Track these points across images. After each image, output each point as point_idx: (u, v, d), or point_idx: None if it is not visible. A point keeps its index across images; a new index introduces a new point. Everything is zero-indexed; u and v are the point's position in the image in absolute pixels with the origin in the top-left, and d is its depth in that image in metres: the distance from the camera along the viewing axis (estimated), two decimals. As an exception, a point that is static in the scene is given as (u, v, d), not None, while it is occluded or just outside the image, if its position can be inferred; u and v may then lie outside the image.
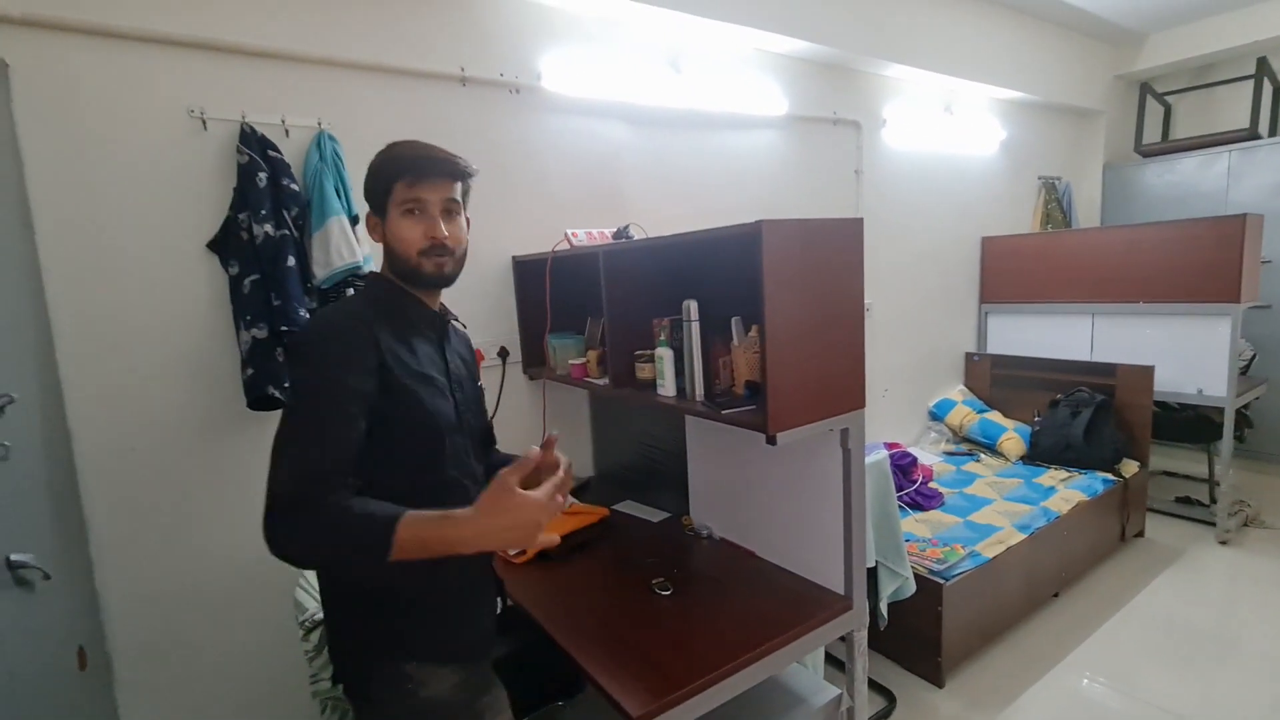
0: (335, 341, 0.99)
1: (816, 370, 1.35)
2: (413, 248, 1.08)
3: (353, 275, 1.85)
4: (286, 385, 0.97)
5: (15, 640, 1.19)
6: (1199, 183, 4.19)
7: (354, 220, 1.86)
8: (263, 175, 1.74)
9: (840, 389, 1.41)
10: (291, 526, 0.89)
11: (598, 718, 1.50)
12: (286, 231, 1.75)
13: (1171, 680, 2.27)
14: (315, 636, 1.51)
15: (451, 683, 1.07)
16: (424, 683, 1.05)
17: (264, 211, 1.73)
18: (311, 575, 1.66)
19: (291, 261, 1.75)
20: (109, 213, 1.65)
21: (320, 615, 1.45)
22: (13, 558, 1.18)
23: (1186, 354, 3.29)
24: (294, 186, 1.79)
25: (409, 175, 1.06)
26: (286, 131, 1.84)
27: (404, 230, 1.07)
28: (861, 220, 1.42)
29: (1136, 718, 2.10)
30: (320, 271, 1.80)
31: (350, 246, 1.81)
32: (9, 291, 1.42)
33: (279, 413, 1.76)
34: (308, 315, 1.75)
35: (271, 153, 1.77)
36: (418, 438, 1.05)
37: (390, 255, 1.10)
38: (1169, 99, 4.59)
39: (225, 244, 1.77)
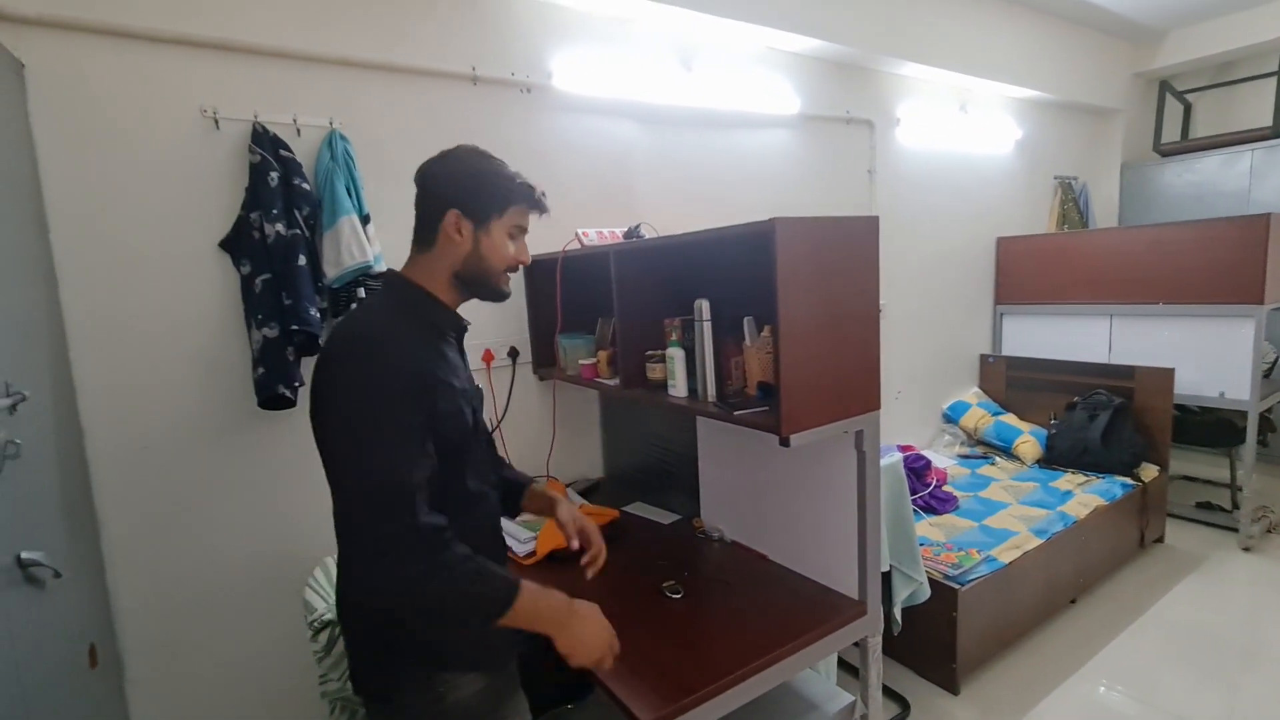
0: (397, 371, 0.96)
1: (831, 370, 1.33)
2: (503, 264, 1.13)
3: (364, 275, 1.85)
4: (339, 414, 0.96)
5: (26, 637, 1.19)
6: (1220, 182, 4.11)
7: (365, 219, 1.86)
8: (274, 175, 1.74)
9: (855, 390, 1.38)
10: (417, 572, 0.91)
11: (608, 718, 1.49)
12: (298, 231, 1.75)
13: (1193, 690, 2.22)
14: (324, 637, 1.50)
15: (477, 688, 1.06)
16: (452, 687, 1.04)
17: (275, 211, 1.73)
18: (320, 575, 1.66)
19: (303, 261, 1.75)
20: (122, 212, 1.66)
21: (329, 616, 1.44)
22: (23, 555, 1.18)
23: (1208, 356, 3.23)
24: (305, 186, 1.79)
25: (534, 208, 1.15)
26: (298, 131, 1.84)
27: (504, 248, 1.13)
28: (877, 219, 1.40)
29: (1157, 728, 2.06)
30: (331, 271, 1.80)
31: (361, 246, 1.81)
32: (24, 290, 1.43)
33: (290, 412, 1.81)
34: (318, 314, 1.75)
35: (283, 152, 1.78)
36: (443, 450, 1.02)
37: (469, 262, 1.10)
38: (1189, 97, 4.51)
39: (237, 243, 1.77)
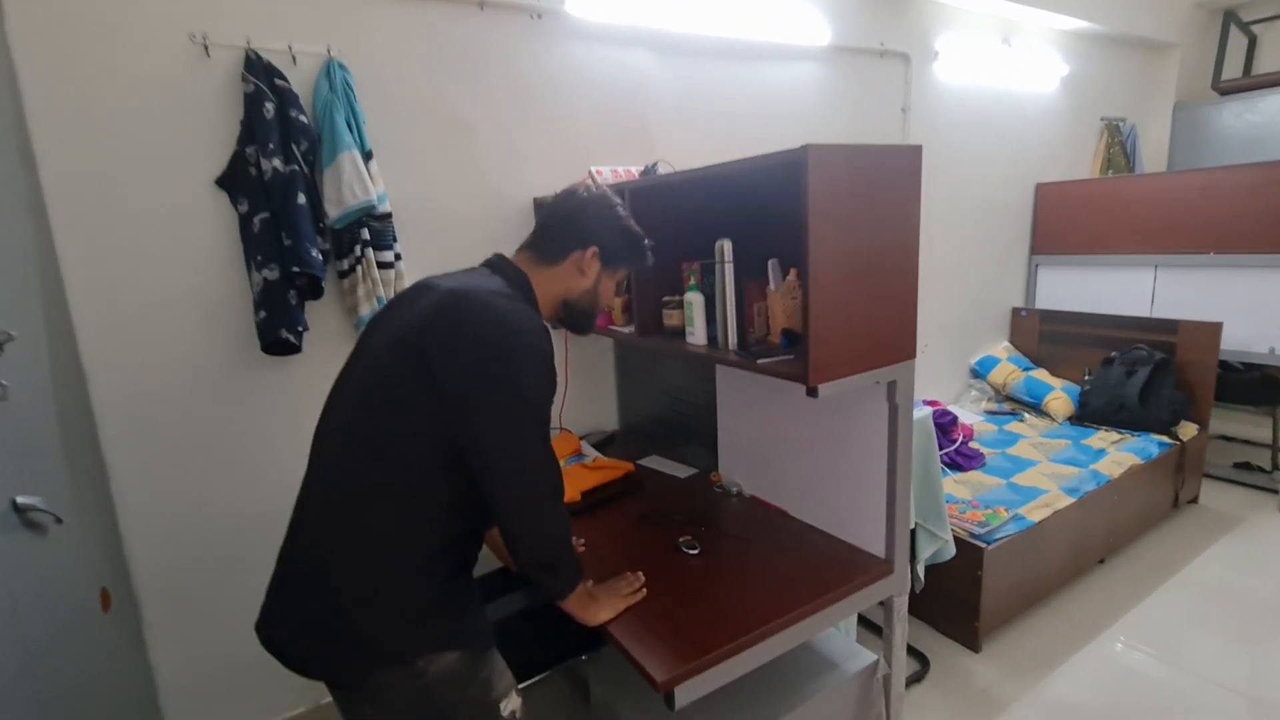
0: (552, 367, 1.07)
1: (864, 315, 1.23)
2: (604, 308, 1.31)
3: (367, 215, 1.75)
4: (512, 385, 1.01)
5: (27, 583, 1.17)
6: (1283, 123, 3.81)
7: (366, 156, 1.76)
8: (269, 106, 1.63)
9: (889, 337, 1.28)
10: (567, 572, 1.14)
11: (621, 672, 1.45)
12: (296, 167, 1.66)
13: (1221, 651, 2.15)
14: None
15: (454, 656, 1.01)
16: (433, 660, 1.00)
17: (272, 145, 1.63)
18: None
19: (302, 199, 1.66)
20: (112, 146, 1.57)
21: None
22: (19, 500, 1.14)
23: (1259, 310, 3.04)
24: (303, 119, 1.68)
25: (644, 271, 1.37)
26: (294, 59, 1.72)
27: (611, 295, 1.29)
28: (920, 149, 1.27)
29: (1182, 689, 2.00)
30: (333, 210, 1.71)
31: (363, 184, 1.71)
32: (12, 227, 1.36)
33: (297, 358, 1.75)
34: (319, 256, 1.67)
35: (278, 81, 1.67)
36: None
37: (585, 297, 1.22)
38: (1255, 29, 4.15)
39: (233, 180, 1.68)
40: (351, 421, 1.03)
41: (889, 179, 1.23)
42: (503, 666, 1.11)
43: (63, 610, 1.30)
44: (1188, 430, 3.00)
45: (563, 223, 1.19)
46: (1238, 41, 4.19)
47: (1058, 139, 3.82)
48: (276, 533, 1.83)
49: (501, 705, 1.06)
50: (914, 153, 1.25)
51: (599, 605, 1.21)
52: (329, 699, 2.02)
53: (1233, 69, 4.23)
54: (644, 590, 1.29)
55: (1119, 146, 4.07)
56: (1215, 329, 2.99)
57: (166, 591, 1.76)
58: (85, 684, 1.34)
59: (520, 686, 1.15)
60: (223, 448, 1.79)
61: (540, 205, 2.14)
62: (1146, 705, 1.94)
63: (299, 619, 1.03)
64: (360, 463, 1.00)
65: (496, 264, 1.17)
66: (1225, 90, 4.07)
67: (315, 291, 1.71)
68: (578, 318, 1.24)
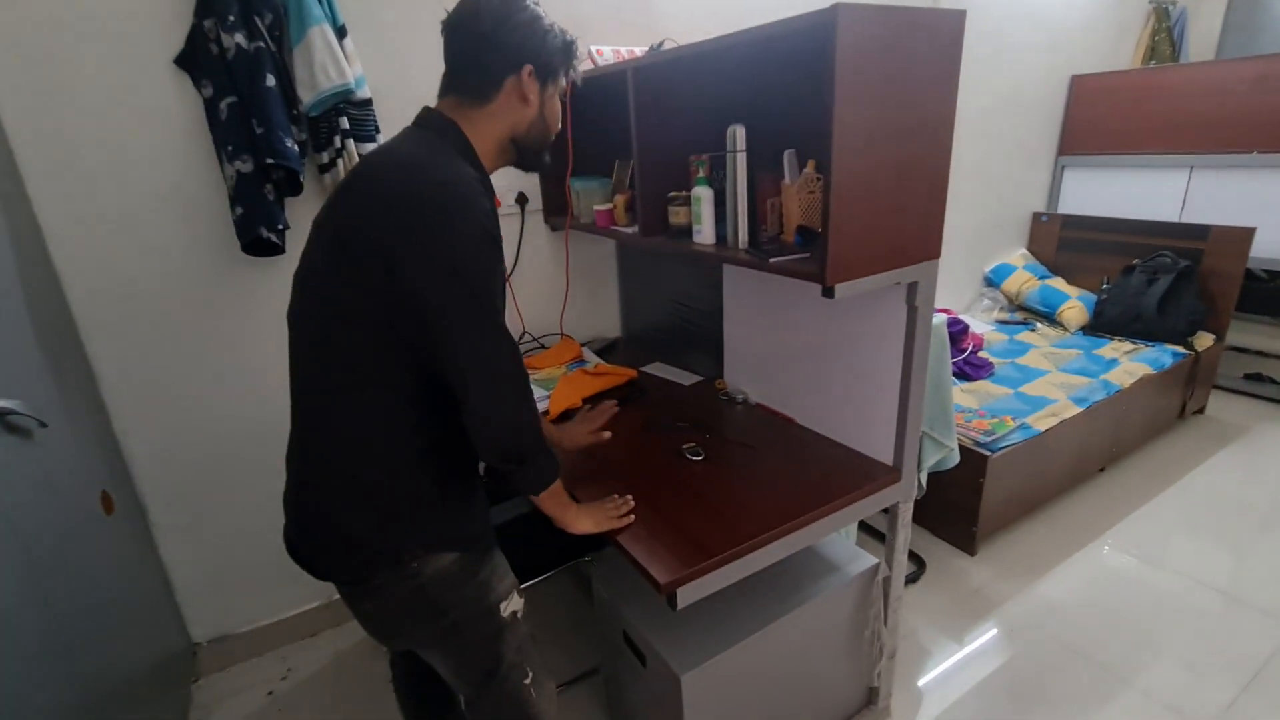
0: (496, 228, 0.93)
1: (889, 209, 1.12)
2: (556, 129, 1.09)
3: (345, 100, 1.60)
4: (454, 263, 0.88)
5: (20, 489, 1.15)
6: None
7: (340, 32, 1.58)
8: (225, -32, 1.44)
9: (914, 235, 1.18)
10: (538, 463, 1.02)
11: (624, 572, 1.47)
12: (261, 44, 1.49)
13: (1204, 552, 2.20)
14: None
15: (450, 558, 1.00)
16: (430, 560, 0.98)
17: (232, 18, 1.46)
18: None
19: (271, 81, 1.50)
20: (57, 23, 1.40)
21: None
22: (-4, 404, 1.10)
23: (1298, 214, 2.88)
24: (265, -14, 1.50)
25: (577, 75, 1.10)
26: (248, -88, 1.51)
27: (559, 112, 1.09)
28: (963, 14, 1.11)
29: (1165, 588, 2.05)
30: (306, 95, 1.55)
31: (338, 64, 1.55)
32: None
33: (282, 259, 1.65)
34: (295, 147, 1.54)
35: (233, -60, 1.46)
36: None
37: (534, 128, 1.05)
38: (1336, -107, 3.69)
39: (193, 59, 1.52)
40: (301, 318, 0.97)
41: (927, 51, 1.09)
42: (504, 568, 1.10)
43: (62, 515, 1.28)
44: (1203, 341, 2.93)
45: (481, 46, 0.98)
46: (1313, -91, 3.73)
47: (1100, 26, 3.49)
48: (272, 431, 1.82)
49: (501, 606, 1.05)
50: (957, 18, 1.11)
51: (580, 512, 1.15)
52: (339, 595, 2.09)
53: (1303, -57, 3.80)
54: (632, 516, 1.22)
55: (1165, 33, 3.73)
56: (1247, 235, 2.84)
57: (171, 491, 1.77)
58: (94, 587, 1.36)
59: (523, 586, 1.15)
60: (211, 349, 1.73)
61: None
62: (1133, 605, 1.99)
63: (300, 521, 1.03)
64: (317, 364, 0.95)
65: (422, 119, 1.01)
66: (1291, -33, 3.68)
67: (294, 187, 1.59)
68: (532, 153, 1.07)
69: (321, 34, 1.52)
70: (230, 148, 1.52)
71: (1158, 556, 2.19)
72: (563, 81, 1.07)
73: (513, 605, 1.08)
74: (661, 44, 1.78)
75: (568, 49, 1.05)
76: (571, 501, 1.14)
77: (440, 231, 0.86)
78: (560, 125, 1.09)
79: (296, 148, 1.55)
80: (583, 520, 1.15)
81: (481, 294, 0.89)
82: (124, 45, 1.48)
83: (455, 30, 0.99)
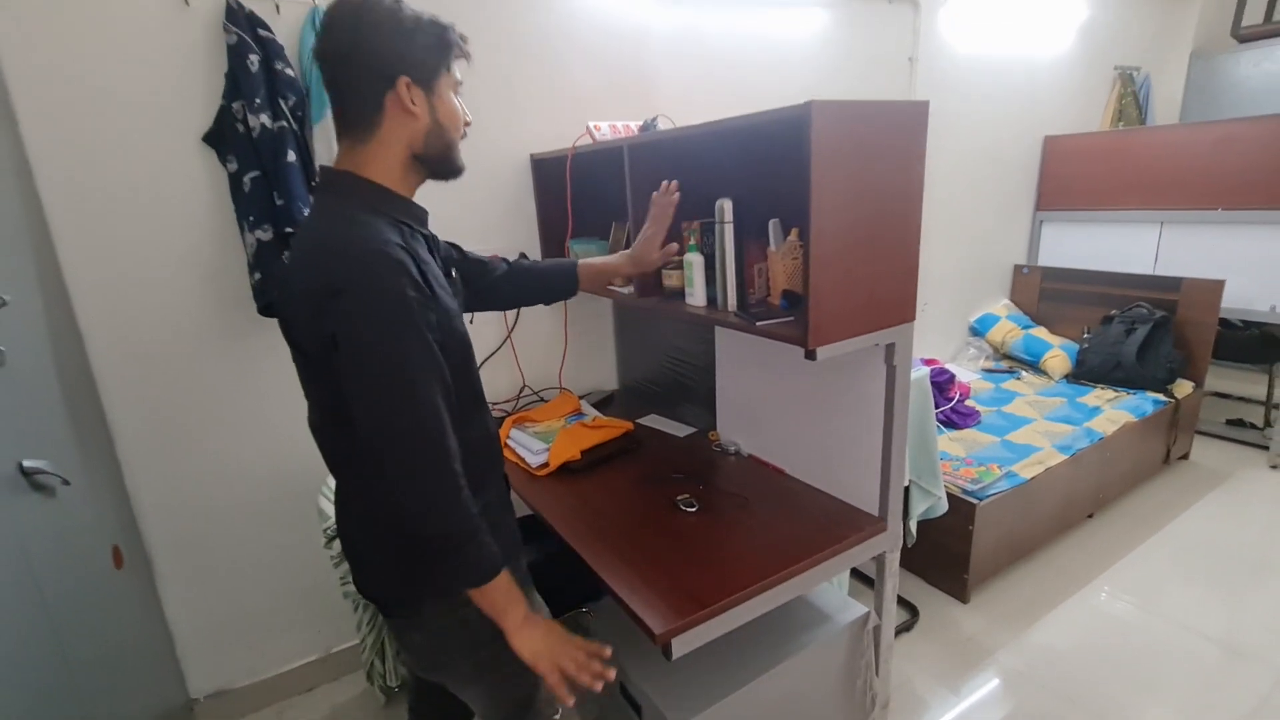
0: (401, 282, 0.86)
1: (865, 278, 1.22)
2: (460, 128, 1.01)
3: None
4: (352, 341, 0.86)
5: (41, 544, 1.19)
6: (1303, 73, 3.70)
7: (357, 111, 1.71)
8: (254, 58, 1.58)
9: (889, 299, 1.27)
10: (463, 553, 0.92)
11: (621, 624, 1.50)
12: (285, 123, 1.61)
13: (1201, 601, 2.22)
14: (339, 544, 1.51)
15: None
16: (466, 604, 1.01)
17: (259, 100, 1.58)
18: (334, 483, 1.66)
19: (292, 156, 1.62)
20: (95, 100, 1.53)
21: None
22: (26, 464, 1.16)
23: (1264, 268, 3.02)
24: (289, 72, 1.63)
25: (466, 56, 1.00)
26: (277, 7, 1.66)
27: (457, 110, 1.00)
28: (926, 104, 1.23)
29: (1161, 636, 2.07)
30: (324, 168, 1.67)
31: (354, 140, 1.67)
32: (-3, 188, 1.34)
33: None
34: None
35: (262, 32, 1.60)
36: (455, 357, 0.98)
37: (431, 137, 0.96)
38: (1280, -29, 3.98)
39: (220, 137, 1.64)
40: (304, 386, 1.04)
41: (894, 137, 1.20)
42: (540, 606, 1.15)
43: (77, 569, 1.33)
44: (1183, 388, 3.02)
45: (347, 71, 0.90)
46: (1261, -15, 4.02)
47: (1069, 89, 3.71)
48: (280, 488, 1.88)
49: None
50: (920, 109, 1.22)
51: (533, 630, 0.97)
52: (341, 646, 2.10)
53: (1254, 15, 4.07)
54: (599, 685, 0.99)
55: (1131, 97, 3.95)
56: (1218, 287, 2.97)
57: (177, 547, 1.81)
58: (104, 639, 1.39)
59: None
60: (224, 407, 1.80)
61: (537, 163, 2.09)
62: (1126, 652, 2.01)
63: (354, 565, 1.12)
64: (329, 427, 1.01)
65: (320, 183, 0.98)
66: (1245, 37, 3.94)
67: (310, 252, 1.69)
68: (436, 165, 0.99)
69: (341, 114, 1.64)
70: (252, 218, 1.62)
71: (1150, 603, 2.22)
72: (453, 74, 0.98)
73: None
74: (655, 119, 1.92)
75: (443, 40, 0.95)
76: (525, 608, 0.98)
77: (342, 307, 0.84)
78: (465, 119, 1.01)
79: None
80: (532, 640, 0.97)
81: (382, 360, 0.85)
82: (160, 121, 1.60)
83: (320, 60, 0.92)
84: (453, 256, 1.25)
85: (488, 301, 1.37)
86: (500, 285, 1.37)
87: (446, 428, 0.89)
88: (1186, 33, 4.06)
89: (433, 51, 0.94)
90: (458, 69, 0.99)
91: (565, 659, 0.98)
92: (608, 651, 1.02)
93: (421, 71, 0.93)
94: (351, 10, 0.89)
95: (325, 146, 1.65)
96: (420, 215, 1.01)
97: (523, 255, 2.16)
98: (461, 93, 1.02)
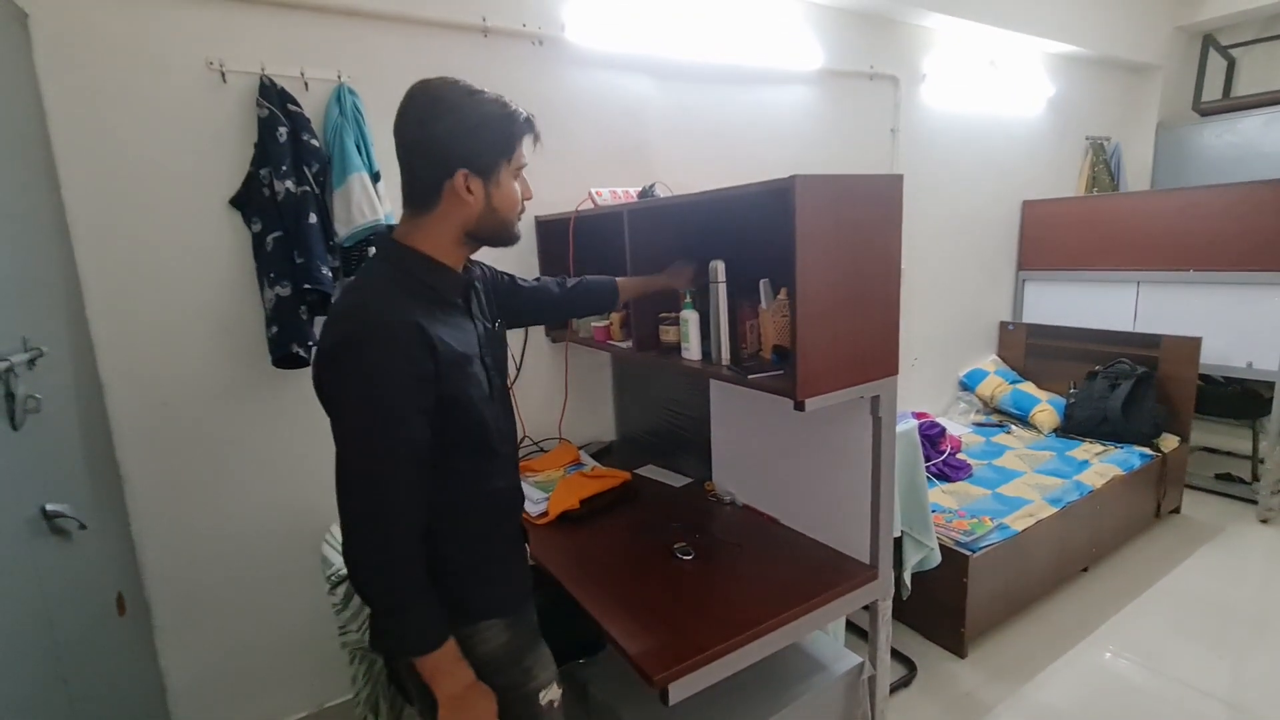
0: (392, 352, 0.91)
1: (849, 334, 1.30)
2: (516, 211, 1.07)
3: (374, 233, 1.83)
4: (336, 395, 0.95)
5: (56, 587, 1.23)
6: (1262, 144, 3.93)
7: (375, 177, 1.83)
8: (283, 130, 1.71)
9: (873, 355, 1.36)
10: (398, 619, 0.95)
11: (618, 675, 1.51)
12: (308, 188, 1.73)
13: (1202, 658, 2.22)
14: (342, 590, 1.54)
15: (502, 640, 1.07)
16: (479, 641, 1.05)
17: (285, 168, 1.71)
18: (339, 531, 1.69)
19: (313, 219, 1.73)
20: (132, 167, 1.65)
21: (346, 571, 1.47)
22: (48, 508, 1.20)
23: (1237, 325, 3.14)
24: (314, 142, 1.76)
25: (533, 135, 1.06)
26: (306, 84, 1.80)
27: (514, 194, 1.06)
28: (901, 177, 1.35)
29: (1164, 695, 2.06)
30: (342, 229, 1.78)
31: (372, 204, 1.78)
32: (41, 246, 1.43)
33: (305, 370, 1.81)
34: (330, 273, 1.74)
35: (291, 106, 1.74)
36: (470, 416, 1.02)
37: (484, 219, 1.02)
38: (1234, 52, 4.28)
39: (247, 200, 1.75)
40: None
41: (872, 206, 1.31)
42: (548, 658, 1.17)
43: (86, 614, 1.35)
44: (1169, 442, 3.09)
45: (413, 155, 0.99)
46: (1217, 64, 4.32)
47: (1044, 157, 3.93)
48: (285, 540, 1.91)
49: (541, 694, 1.12)
50: (895, 181, 1.33)
51: (475, 703, 1.00)
52: (334, 701, 2.08)
53: (1213, 91, 4.36)
54: None
55: (1103, 165, 4.18)
56: (1195, 344, 3.08)
57: (176, 597, 1.82)
58: (105, 684, 1.40)
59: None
60: (234, 457, 1.85)
61: (542, 224, 2.21)
62: (1130, 710, 2.00)
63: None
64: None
65: (378, 248, 1.08)
66: (1206, 111, 4.20)
67: (325, 307, 1.78)
68: (489, 240, 1.06)
69: (360, 180, 1.77)
70: (272, 274, 1.72)
71: (1150, 660, 2.22)
72: (514, 161, 1.03)
73: (551, 694, 1.14)
74: (653, 185, 2.05)
75: (507, 136, 1.01)
76: (462, 685, 0.99)
77: (336, 366, 0.92)
78: (522, 199, 1.07)
79: (330, 274, 1.75)
80: (473, 710, 1.00)
81: (350, 426, 0.92)
82: (192, 186, 1.71)
83: (395, 136, 1.00)
84: (501, 287, 1.38)
85: (539, 318, 1.62)
86: (557, 303, 1.56)
87: (404, 498, 0.93)
88: (1152, 106, 4.32)
89: (494, 145, 1.00)
90: (526, 147, 1.05)
91: None
92: None
93: (480, 163, 0.99)
94: (425, 101, 0.98)
95: (344, 209, 1.76)
96: (456, 284, 1.05)
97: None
98: (525, 169, 1.08)
